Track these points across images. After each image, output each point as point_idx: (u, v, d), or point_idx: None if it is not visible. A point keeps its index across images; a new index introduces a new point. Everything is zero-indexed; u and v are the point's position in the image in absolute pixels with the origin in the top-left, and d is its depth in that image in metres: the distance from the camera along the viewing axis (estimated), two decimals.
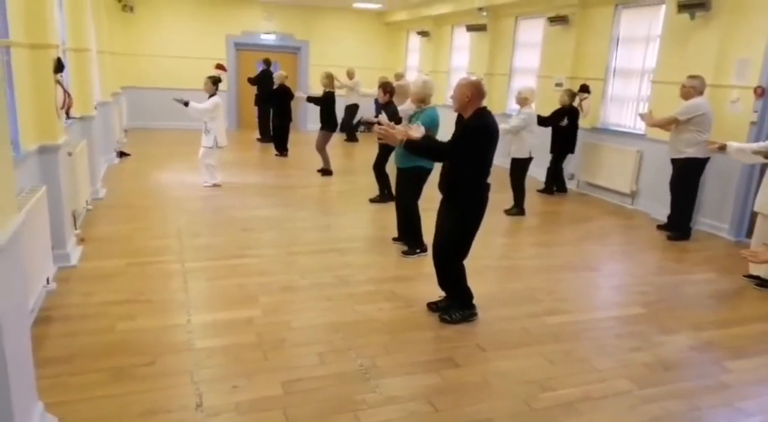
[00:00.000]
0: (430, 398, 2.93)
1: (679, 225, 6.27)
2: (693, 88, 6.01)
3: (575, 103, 8.04)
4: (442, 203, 3.87)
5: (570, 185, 8.60)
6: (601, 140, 8.19)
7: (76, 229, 5.04)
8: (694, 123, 5.96)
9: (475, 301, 3.93)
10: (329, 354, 3.33)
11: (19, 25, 3.92)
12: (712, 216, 6.49)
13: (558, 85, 8.73)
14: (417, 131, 3.89)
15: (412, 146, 3.79)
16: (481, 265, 5.08)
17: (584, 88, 8.40)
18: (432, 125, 4.87)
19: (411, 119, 5.04)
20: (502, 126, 6.62)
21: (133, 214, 6.25)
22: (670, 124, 6.14)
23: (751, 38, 6.11)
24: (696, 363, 3.50)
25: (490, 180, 3.72)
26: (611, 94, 8.27)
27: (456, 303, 3.90)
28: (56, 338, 3.34)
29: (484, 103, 3.68)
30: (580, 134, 8.28)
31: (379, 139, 4.05)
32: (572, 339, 3.71)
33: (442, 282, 3.95)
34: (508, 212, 6.99)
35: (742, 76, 6.20)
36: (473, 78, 3.83)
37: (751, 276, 4.93)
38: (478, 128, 3.59)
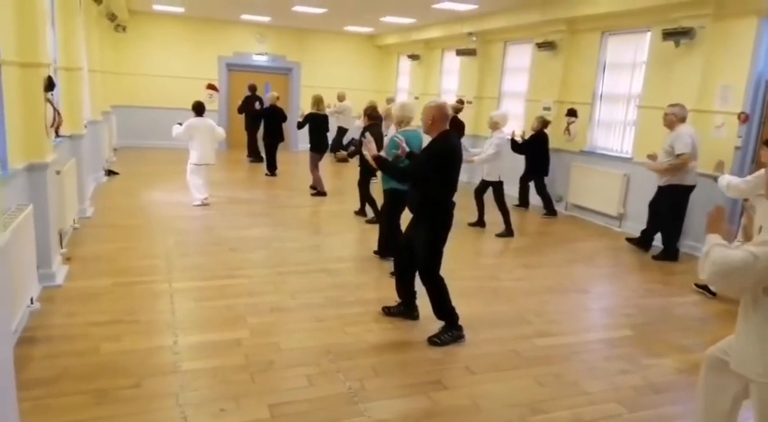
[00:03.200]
0: (419, 421, 2.90)
1: (666, 248, 6.34)
2: (674, 115, 6.08)
3: (546, 130, 8.30)
4: (412, 221, 4.07)
5: (558, 207, 8.69)
6: (589, 163, 8.29)
7: (62, 248, 4.98)
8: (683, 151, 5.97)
9: (463, 322, 3.92)
10: (318, 376, 3.29)
11: (11, 44, 3.92)
12: (698, 239, 6.55)
13: (546, 109, 8.85)
14: (370, 143, 4.25)
15: (378, 164, 4.17)
16: (469, 286, 5.08)
17: (572, 113, 8.55)
18: (394, 147, 4.88)
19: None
20: (478, 157, 6.98)
21: (121, 233, 6.20)
22: (685, 164, 5.96)
23: (734, 65, 6.26)
24: (685, 386, 3.50)
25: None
26: (598, 118, 8.40)
27: (446, 323, 3.92)
28: (39, 359, 3.28)
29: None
30: (567, 157, 8.48)
31: (355, 154, 4.29)
32: (562, 362, 3.71)
33: (400, 290, 4.18)
34: (499, 234, 7.07)
35: (725, 101, 6.34)
36: (439, 101, 4.05)
37: (699, 286, 5.21)
38: (437, 150, 3.79)
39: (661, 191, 6.32)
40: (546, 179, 8.46)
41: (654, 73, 7.31)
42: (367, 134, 4.61)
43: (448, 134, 3.83)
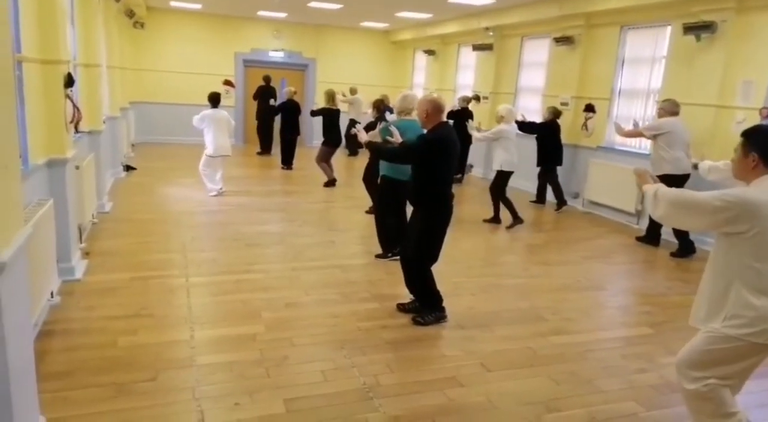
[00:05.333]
0: (435, 418, 2.90)
1: (680, 244, 6.33)
2: (662, 109, 6.42)
3: (558, 120, 8.29)
4: (413, 212, 4.13)
5: (575, 203, 8.62)
6: (606, 159, 8.20)
7: (81, 242, 5.05)
8: (662, 140, 6.26)
9: (479, 320, 3.92)
10: (332, 371, 3.30)
11: (32, 41, 3.97)
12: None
13: (563, 104, 8.77)
14: (360, 132, 4.54)
15: (369, 147, 4.40)
16: (486, 283, 5.07)
17: (589, 108, 8.46)
18: (386, 132, 4.85)
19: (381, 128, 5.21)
20: (477, 135, 7.50)
21: (139, 228, 6.27)
22: (636, 136, 7.00)
23: (756, 60, 6.14)
24: None
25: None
26: (617, 114, 8.29)
27: (426, 307, 4.08)
28: (58, 352, 3.33)
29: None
30: (585, 152, 8.43)
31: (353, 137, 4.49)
32: (578, 360, 3.68)
33: (411, 286, 4.15)
34: (495, 222, 7.32)
35: (746, 97, 6.23)
36: (433, 95, 4.12)
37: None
38: (432, 140, 3.88)
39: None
40: (559, 171, 8.41)
41: (674, 68, 7.19)
42: (358, 125, 4.85)
43: (443, 125, 3.95)
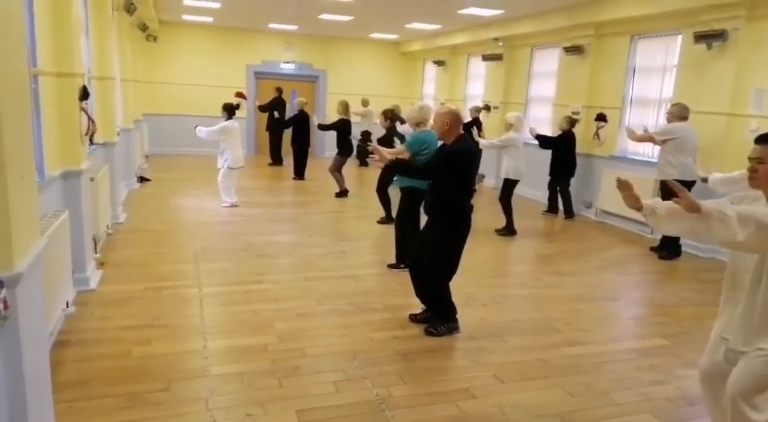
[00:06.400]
0: None
1: (669, 246, 6.46)
2: (671, 114, 6.45)
3: (575, 129, 8.30)
4: (427, 223, 4.10)
5: (588, 213, 8.58)
6: (619, 169, 8.13)
7: (96, 253, 5.09)
8: (671, 146, 6.28)
9: (492, 331, 3.90)
10: (344, 382, 3.29)
11: (47, 55, 4.04)
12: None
13: (575, 113, 8.75)
14: (378, 151, 4.45)
15: (397, 166, 4.41)
16: (498, 293, 5.04)
17: (601, 117, 8.44)
18: (415, 146, 4.97)
19: (402, 141, 5.29)
20: (483, 142, 7.41)
21: (152, 238, 6.31)
22: (647, 141, 6.84)
23: None
24: None
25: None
26: (628, 122, 8.24)
27: (439, 317, 4.05)
28: (73, 362, 3.35)
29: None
30: (597, 162, 8.42)
31: (373, 159, 4.44)
32: (592, 371, 3.64)
33: (422, 296, 4.15)
34: (498, 232, 7.26)
35: (759, 106, 6.20)
36: (452, 107, 4.12)
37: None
38: (456, 152, 3.87)
39: (663, 186, 6.33)
40: (571, 181, 8.41)
41: (685, 76, 7.17)
42: (371, 144, 4.84)
43: (463, 137, 3.97)
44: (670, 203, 2.25)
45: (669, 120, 6.48)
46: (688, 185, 6.09)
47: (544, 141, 8.24)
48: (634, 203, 2.32)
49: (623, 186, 2.33)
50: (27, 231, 2.22)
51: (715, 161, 6.18)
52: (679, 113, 6.35)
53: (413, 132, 5.27)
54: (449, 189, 3.86)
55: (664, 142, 6.37)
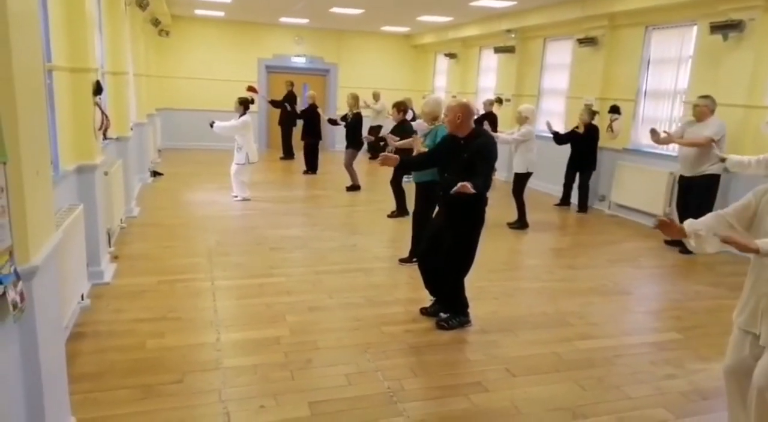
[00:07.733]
0: None
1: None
2: (707, 107, 6.11)
3: (595, 121, 8.18)
4: (438, 215, 4.09)
5: (601, 206, 8.51)
6: (633, 161, 8.07)
7: (110, 247, 5.15)
8: (722, 142, 6.05)
9: (504, 325, 3.90)
10: (356, 375, 3.31)
11: (61, 50, 4.07)
12: None
13: (588, 106, 8.66)
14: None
15: (409, 161, 4.45)
16: (510, 287, 5.03)
17: (614, 110, 8.35)
18: (435, 140, 4.93)
19: (425, 137, 5.24)
20: (503, 137, 7.24)
21: (165, 232, 6.36)
22: (705, 145, 6.00)
23: None
24: None
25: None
26: (642, 115, 8.16)
27: (451, 310, 4.06)
28: (88, 354, 3.40)
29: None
30: (611, 155, 8.34)
31: (381, 164, 4.21)
32: (604, 365, 3.62)
33: (431, 287, 4.17)
34: (511, 225, 7.19)
35: None
36: (463, 100, 4.11)
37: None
38: (491, 146, 3.86)
39: (693, 182, 6.20)
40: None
41: (701, 68, 7.06)
42: (389, 135, 4.77)
43: (483, 130, 3.96)
44: (713, 230, 2.28)
45: (704, 114, 6.11)
46: (719, 178, 6.10)
47: (562, 139, 8.09)
48: (679, 235, 2.40)
49: (665, 228, 2.40)
50: (43, 225, 2.25)
51: (731, 154, 6.09)
52: (713, 105, 6.09)
53: (429, 126, 5.21)
54: (483, 185, 3.75)
55: (716, 141, 5.93)
